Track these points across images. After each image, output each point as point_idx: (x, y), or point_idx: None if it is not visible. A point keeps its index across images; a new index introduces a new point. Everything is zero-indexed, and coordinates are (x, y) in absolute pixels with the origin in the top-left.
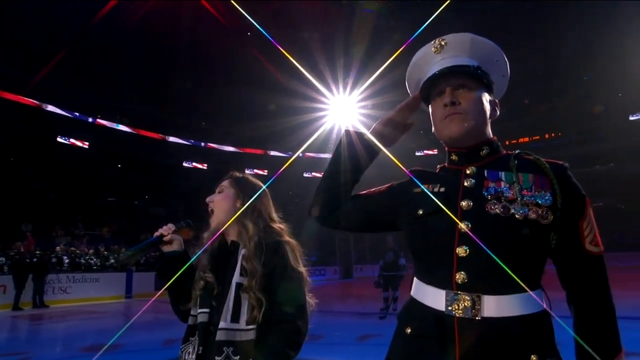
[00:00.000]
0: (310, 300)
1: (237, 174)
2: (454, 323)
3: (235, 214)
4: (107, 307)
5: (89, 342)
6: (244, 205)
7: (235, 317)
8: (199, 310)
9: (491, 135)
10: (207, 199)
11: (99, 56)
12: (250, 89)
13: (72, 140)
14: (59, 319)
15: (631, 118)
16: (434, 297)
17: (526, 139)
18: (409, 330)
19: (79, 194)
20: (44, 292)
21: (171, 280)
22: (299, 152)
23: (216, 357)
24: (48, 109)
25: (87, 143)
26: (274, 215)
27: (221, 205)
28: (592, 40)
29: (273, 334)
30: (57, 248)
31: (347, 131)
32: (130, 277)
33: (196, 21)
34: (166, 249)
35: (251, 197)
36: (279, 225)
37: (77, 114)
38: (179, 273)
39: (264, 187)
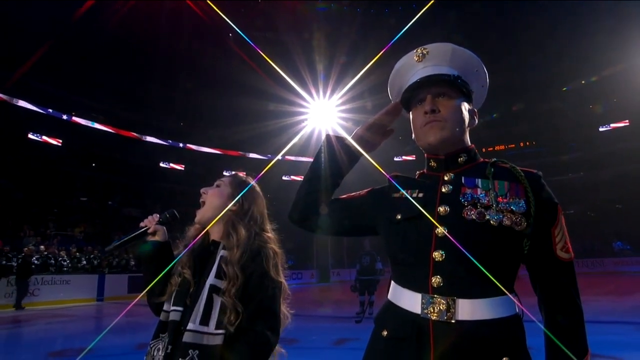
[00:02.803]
0: (286, 311)
1: (242, 176)
2: (430, 326)
3: (225, 213)
4: (76, 310)
5: (57, 347)
6: (236, 207)
7: (205, 320)
8: (172, 308)
9: (469, 143)
10: (202, 190)
11: (76, 52)
12: (230, 91)
13: (44, 137)
14: (24, 323)
15: (601, 129)
16: (410, 301)
17: (502, 147)
18: (385, 333)
19: (50, 193)
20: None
21: (160, 275)
22: (279, 156)
23: (180, 359)
24: (19, 104)
25: (60, 140)
26: (267, 226)
27: (212, 200)
28: (569, 55)
29: (240, 343)
30: (25, 249)
31: (328, 136)
32: (103, 279)
33: (177, 22)
34: (149, 239)
35: (247, 198)
36: (268, 235)
37: (51, 110)
38: (165, 269)
39: (248, 184)
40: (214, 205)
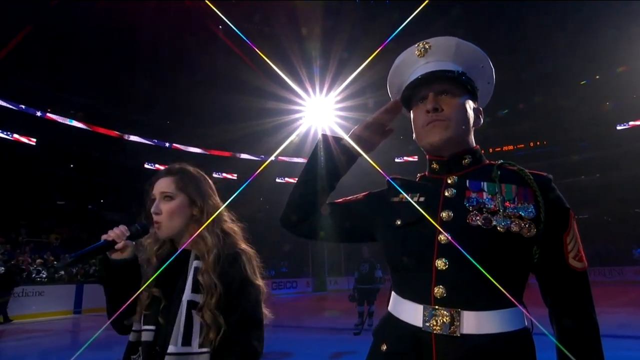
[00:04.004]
0: (266, 312)
1: (176, 167)
2: (432, 340)
3: (193, 221)
4: (51, 324)
5: None
6: (201, 211)
7: (187, 340)
8: (143, 327)
9: (474, 144)
10: (153, 209)
11: (52, 42)
12: (220, 87)
13: (15, 135)
14: None
15: (619, 127)
16: (411, 312)
17: (510, 147)
18: (384, 347)
19: (21, 196)
20: None
21: (132, 297)
22: (273, 156)
23: None
24: None
25: (34, 139)
26: (225, 214)
27: (175, 216)
28: (581, 48)
29: (227, 357)
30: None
31: (323, 135)
32: (81, 290)
33: (163, 11)
34: (115, 256)
35: (204, 197)
36: (232, 228)
37: (23, 106)
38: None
39: (193, 176)
40: (180, 223)
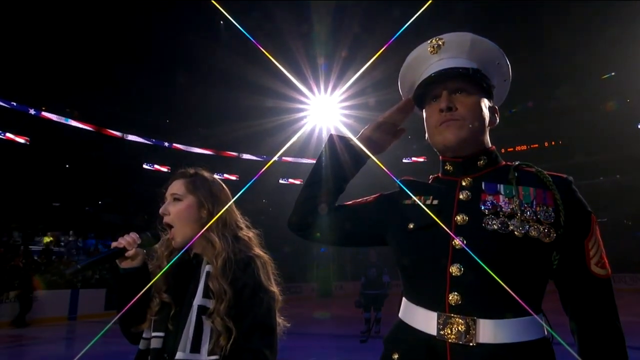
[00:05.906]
0: (280, 320)
1: (190, 172)
2: (446, 349)
3: (201, 224)
4: (43, 331)
5: None
6: (210, 214)
7: (196, 347)
8: (153, 334)
9: (489, 144)
10: (161, 211)
11: (46, 37)
12: (222, 85)
13: (8, 134)
14: None
15: None
16: (424, 320)
17: (524, 147)
18: (396, 356)
19: (14, 197)
20: None
21: (136, 299)
22: (276, 156)
23: None
24: None
25: (27, 138)
26: (240, 221)
27: (183, 217)
28: (599, 45)
29: None
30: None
31: (331, 136)
32: (76, 295)
33: (163, 7)
34: (125, 264)
35: (215, 202)
36: (247, 234)
37: (15, 104)
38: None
39: (207, 180)
40: (188, 223)
